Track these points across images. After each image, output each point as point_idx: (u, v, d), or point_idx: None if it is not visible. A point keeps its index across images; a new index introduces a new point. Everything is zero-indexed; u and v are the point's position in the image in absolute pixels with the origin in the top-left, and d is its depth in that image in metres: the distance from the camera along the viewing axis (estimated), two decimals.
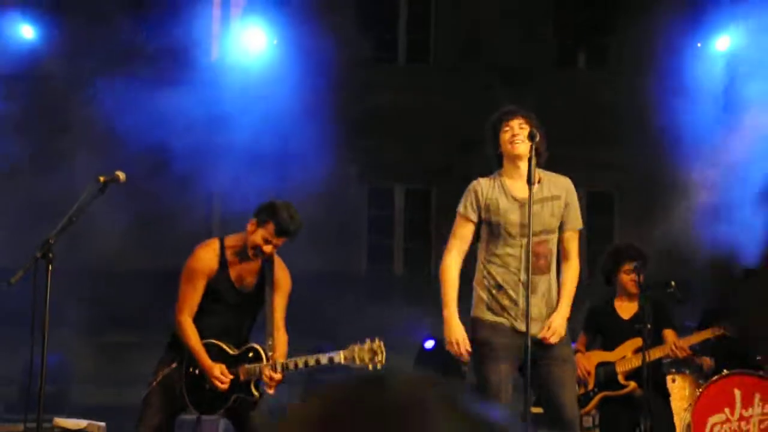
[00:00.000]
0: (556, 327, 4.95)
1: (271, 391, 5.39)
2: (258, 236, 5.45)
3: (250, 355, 5.43)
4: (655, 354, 6.51)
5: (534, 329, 4.84)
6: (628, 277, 6.71)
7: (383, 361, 5.27)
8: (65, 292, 5.97)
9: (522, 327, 4.83)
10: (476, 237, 5.19)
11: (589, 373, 6.76)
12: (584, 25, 13.35)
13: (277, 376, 5.32)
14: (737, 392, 6.80)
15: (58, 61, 10.85)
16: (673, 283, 7.44)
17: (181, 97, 10.63)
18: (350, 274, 12.55)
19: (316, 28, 11.61)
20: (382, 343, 5.24)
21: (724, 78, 10.50)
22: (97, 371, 10.87)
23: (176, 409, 5.59)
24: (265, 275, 5.59)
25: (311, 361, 5.33)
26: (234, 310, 5.59)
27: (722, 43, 10.40)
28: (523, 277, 4.91)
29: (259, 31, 10.75)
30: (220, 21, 11.84)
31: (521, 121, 5.03)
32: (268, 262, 5.61)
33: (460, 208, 5.21)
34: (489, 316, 5.01)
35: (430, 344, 10.99)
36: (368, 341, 5.23)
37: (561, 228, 5.14)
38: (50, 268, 5.47)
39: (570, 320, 5.25)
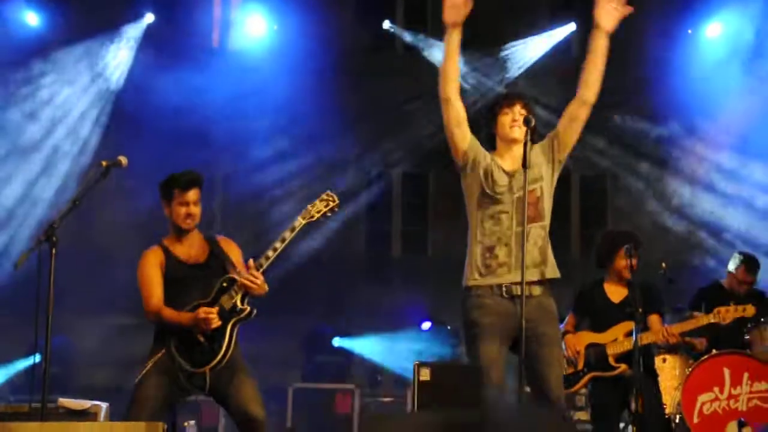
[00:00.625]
0: None
1: (259, 291, 5.37)
2: (174, 209, 5.49)
3: (224, 285, 5.43)
4: (647, 339, 6.52)
5: (528, 276, 4.80)
6: (624, 263, 6.69)
7: (337, 202, 5.38)
8: (69, 275, 5.97)
9: (518, 278, 4.80)
10: (467, 202, 5.14)
11: (578, 353, 6.77)
12: (579, 11, 13.34)
13: (256, 279, 5.32)
14: (726, 371, 6.80)
15: (61, 46, 10.85)
16: (664, 264, 7.47)
17: (182, 82, 10.64)
18: (349, 257, 12.56)
19: (316, 15, 11.59)
20: (331, 192, 5.36)
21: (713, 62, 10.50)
22: (100, 353, 10.90)
23: (172, 393, 5.57)
24: (213, 249, 5.60)
25: (278, 244, 5.33)
26: (195, 285, 5.52)
27: (713, 29, 10.37)
28: (516, 229, 4.89)
29: (259, 18, 10.73)
30: (221, 7, 11.82)
31: (521, 106, 5.03)
32: (212, 242, 5.64)
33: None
34: (482, 281, 4.98)
35: (426, 326, 11.02)
36: (321, 195, 5.36)
37: (555, 134, 5.11)
38: (54, 251, 5.48)
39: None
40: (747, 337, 7.25)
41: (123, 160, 5.64)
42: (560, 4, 13.45)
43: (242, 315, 5.37)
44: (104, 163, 5.61)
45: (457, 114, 5.05)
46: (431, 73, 12.15)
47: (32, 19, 10.49)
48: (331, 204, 5.36)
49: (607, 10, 5.01)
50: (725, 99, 10.45)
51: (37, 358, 6.07)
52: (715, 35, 10.43)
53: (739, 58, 10.40)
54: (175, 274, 5.55)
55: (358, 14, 13.39)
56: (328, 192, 5.40)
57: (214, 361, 5.39)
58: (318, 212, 5.33)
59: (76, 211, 5.62)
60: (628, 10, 5.03)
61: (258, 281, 5.27)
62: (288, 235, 5.31)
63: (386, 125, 12.69)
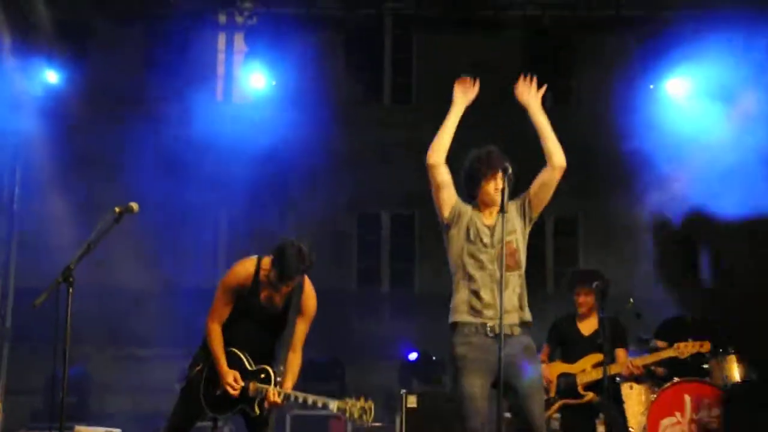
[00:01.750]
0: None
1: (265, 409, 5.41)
2: (270, 277, 5.34)
3: (262, 375, 5.37)
4: (614, 370, 6.57)
5: (507, 320, 4.86)
6: (578, 299, 6.82)
7: (371, 420, 5.17)
8: (85, 311, 5.97)
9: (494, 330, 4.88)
10: (451, 252, 5.19)
11: (550, 382, 6.82)
12: (549, 70, 13.44)
13: (278, 400, 5.31)
14: (687, 398, 6.83)
15: (79, 102, 10.88)
16: (631, 300, 7.50)
17: (190, 134, 10.67)
18: (342, 293, 12.54)
19: (311, 71, 11.66)
20: (371, 403, 5.10)
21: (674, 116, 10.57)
22: (114, 382, 10.84)
23: (195, 412, 5.59)
24: (292, 299, 5.50)
25: (309, 400, 5.27)
26: (258, 327, 5.51)
27: (673, 84, 10.44)
28: (497, 276, 4.91)
29: (259, 74, 10.78)
30: (224, 65, 11.90)
31: (502, 173, 5.08)
32: (298, 287, 5.51)
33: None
34: (469, 319, 4.99)
35: (413, 356, 10.99)
36: (362, 399, 5.20)
37: (527, 197, 5.16)
38: (70, 290, 5.48)
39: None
40: (706, 366, 7.28)
41: (134, 206, 5.65)
42: (534, 61, 13.56)
43: (249, 412, 5.36)
44: (117, 209, 5.63)
45: (444, 179, 5.13)
46: (414, 122, 12.30)
47: (52, 77, 10.50)
48: (364, 418, 5.07)
49: (522, 93, 5.22)
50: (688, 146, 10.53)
51: (55, 388, 6.06)
52: (676, 89, 10.48)
53: (699, 109, 10.46)
54: (247, 303, 5.47)
55: (349, 70, 13.48)
56: (370, 405, 5.09)
57: (222, 416, 5.51)
58: (350, 415, 5.06)
59: (92, 253, 5.66)
60: (541, 90, 5.20)
61: (274, 405, 5.27)
62: (319, 404, 5.17)
63: (375, 170, 12.73)
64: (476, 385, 4.94)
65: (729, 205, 9.65)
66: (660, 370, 7.41)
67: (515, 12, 10.38)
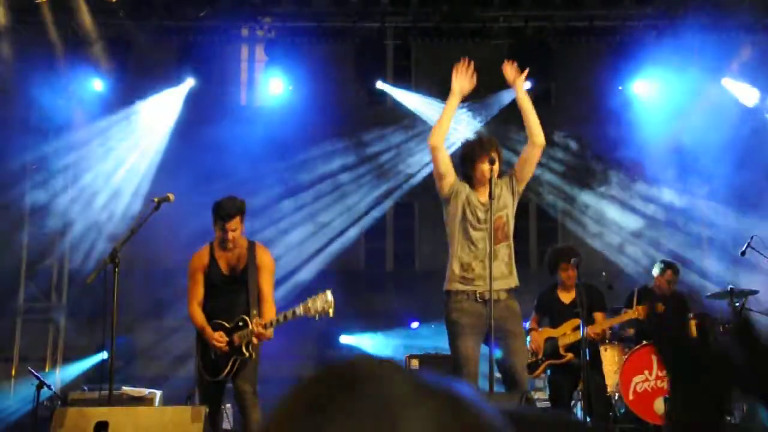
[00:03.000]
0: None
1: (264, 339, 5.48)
2: (217, 234, 5.56)
3: (240, 324, 5.49)
4: (593, 331, 6.60)
5: (496, 285, 4.92)
6: (564, 274, 6.84)
7: (332, 308, 5.33)
8: (130, 287, 6.03)
9: (484, 296, 4.93)
10: (449, 225, 5.21)
11: (539, 346, 6.86)
12: (531, 73, 13.44)
13: (261, 330, 5.38)
14: (654, 358, 6.85)
15: (121, 106, 10.91)
16: (604, 273, 7.54)
17: (218, 131, 10.68)
18: (352, 270, 12.57)
19: (322, 77, 11.63)
20: (329, 294, 5.31)
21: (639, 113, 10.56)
22: (155, 349, 10.88)
23: (209, 384, 5.66)
24: (249, 261, 5.62)
25: (281, 317, 5.41)
26: (228, 292, 5.62)
27: (638, 86, 10.43)
28: (487, 248, 4.97)
29: (277, 80, 10.77)
30: (247, 73, 11.88)
31: (494, 155, 5.10)
32: (250, 250, 5.65)
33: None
34: (461, 288, 5.03)
35: (415, 325, 11.02)
36: (320, 293, 5.32)
37: (514, 172, 5.23)
38: (116, 270, 5.54)
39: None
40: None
41: (171, 196, 5.72)
42: (518, 65, 13.49)
43: (242, 357, 5.46)
44: (156, 200, 5.69)
45: (444, 158, 5.17)
46: (414, 123, 12.28)
47: (98, 85, 10.51)
48: (327, 309, 5.30)
49: (509, 75, 5.41)
50: (657, 142, 10.54)
51: (105, 354, 6.08)
52: (642, 91, 10.46)
53: (666, 110, 10.46)
54: (213, 279, 5.64)
55: (355, 75, 13.44)
56: (327, 295, 5.32)
57: (222, 376, 5.52)
58: (315, 312, 5.28)
59: (135, 237, 5.70)
60: (524, 73, 5.23)
61: (263, 337, 5.41)
62: (289, 316, 5.37)
63: (379, 165, 12.72)
64: (469, 347, 5.00)
65: None
66: (630, 331, 7.42)
67: (501, 24, 10.36)
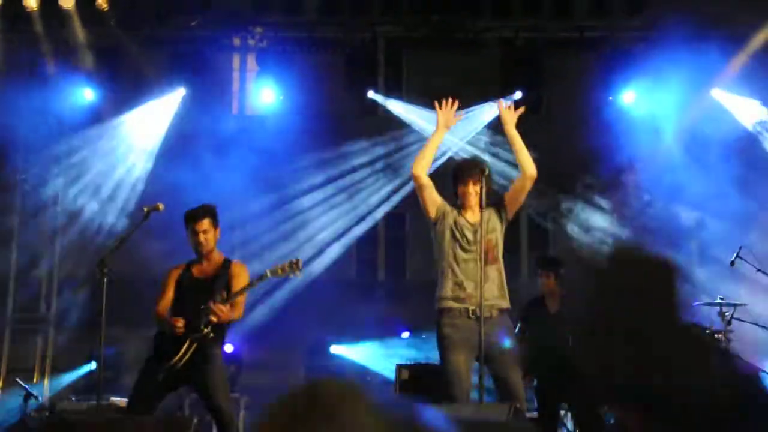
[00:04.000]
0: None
1: (215, 319, 5.45)
2: (190, 238, 5.65)
3: (202, 307, 5.48)
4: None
5: (488, 304, 4.98)
6: (540, 280, 6.89)
7: (300, 269, 5.53)
8: (117, 297, 5.99)
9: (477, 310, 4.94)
10: (437, 247, 5.25)
11: (524, 355, 6.83)
12: (522, 84, 13.46)
13: (222, 306, 5.42)
14: None
15: (111, 114, 10.89)
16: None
17: (209, 141, 10.67)
18: (343, 280, 12.54)
19: (313, 87, 11.63)
20: (299, 259, 5.53)
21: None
22: (143, 359, 10.79)
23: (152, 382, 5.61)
24: (222, 271, 5.68)
25: (254, 281, 5.57)
26: (194, 298, 5.60)
27: (627, 96, 10.48)
28: (478, 271, 4.99)
29: (269, 90, 10.77)
30: (239, 82, 11.86)
31: (473, 185, 5.19)
32: (225, 265, 5.72)
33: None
34: (454, 305, 5.02)
35: (405, 335, 10.98)
36: (289, 259, 5.52)
37: (503, 201, 5.26)
38: (104, 280, 5.51)
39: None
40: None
41: (161, 206, 5.70)
42: (509, 76, 13.55)
43: (199, 335, 5.43)
44: (146, 209, 5.67)
45: (425, 182, 5.25)
46: (405, 133, 12.27)
47: (89, 94, 10.50)
48: (296, 272, 5.52)
49: (504, 116, 5.41)
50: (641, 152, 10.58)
51: (93, 365, 6.04)
52: (631, 101, 10.52)
53: (655, 120, 10.51)
54: (184, 284, 5.70)
55: (346, 85, 13.44)
56: (298, 260, 5.55)
57: (171, 362, 5.46)
58: (282, 271, 5.52)
59: (125, 247, 5.66)
60: (520, 111, 5.36)
61: (220, 313, 5.38)
62: (255, 282, 5.54)
63: (370, 175, 12.72)
64: (460, 361, 5.00)
65: None
66: None
67: (493, 34, 10.38)
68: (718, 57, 9.89)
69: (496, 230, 5.20)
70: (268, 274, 5.53)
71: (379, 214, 13.05)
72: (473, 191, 5.14)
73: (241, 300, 5.59)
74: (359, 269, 13.74)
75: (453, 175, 5.36)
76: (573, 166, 11.79)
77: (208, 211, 5.66)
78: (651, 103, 10.38)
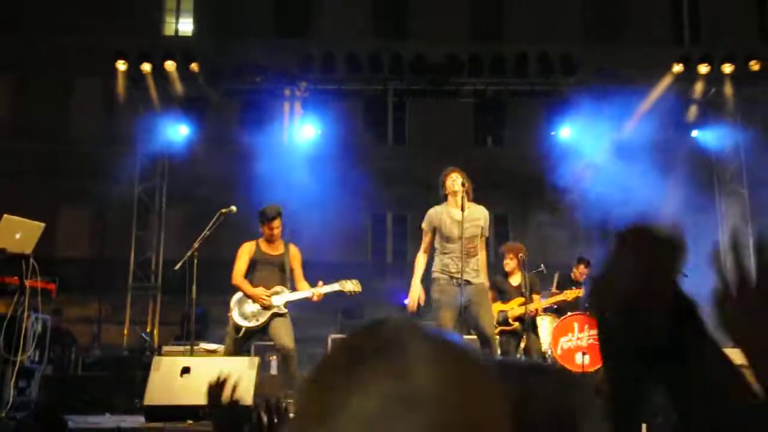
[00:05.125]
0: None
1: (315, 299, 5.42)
2: (264, 231, 5.54)
3: (278, 290, 5.45)
4: (532, 307, 6.53)
5: (468, 277, 4.88)
6: (504, 260, 6.76)
7: (358, 289, 5.49)
8: (202, 273, 6.03)
9: (463, 276, 4.87)
10: (433, 239, 5.17)
11: (493, 317, 6.81)
12: (491, 123, 13.49)
13: (319, 292, 5.41)
14: (575, 324, 6.85)
15: (202, 142, 10.99)
16: (542, 265, 7.48)
17: (266, 166, 10.71)
18: (359, 264, 12.55)
19: (342, 124, 11.71)
20: (356, 281, 5.47)
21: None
22: (222, 316, 10.87)
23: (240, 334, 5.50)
24: (284, 251, 5.61)
25: (327, 289, 5.47)
26: (265, 269, 5.55)
27: (564, 132, 10.48)
28: (461, 258, 4.92)
29: (310, 127, 10.81)
30: (288, 121, 11.92)
31: (456, 174, 5.06)
32: (286, 246, 5.63)
33: (423, 225, 5.17)
34: (442, 278, 4.98)
35: (407, 301, 10.95)
36: (350, 280, 5.46)
37: (481, 234, 5.11)
38: (195, 261, 5.57)
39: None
40: (587, 304, 7.19)
41: (234, 208, 5.75)
42: (481, 117, 13.40)
43: (278, 311, 5.39)
44: (223, 210, 5.72)
45: (427, 239, 5.12)
46: (408, 157, 12.30)
47: (183, 130, 10.58)
48: (354, 289, 5.48)
49: None
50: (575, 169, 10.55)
51: (188, 319, 6.07)
52: (566, 135, 10.51)
53: (581, 149, 10.48)
54: (257, 258, 5.56)
55: (365, 124, 13.52)
56: (356, 282, 5.50)
57: (256, 323, 5.40)
58: (348, 291, 5.46)
59: (210, 236, 5.72)
60: None
61: (317, 299, 5.43)
62: (336, 287, 5.46)
63: (382, 187, 12.76)
64: (447, 317, 4.92)
65: None
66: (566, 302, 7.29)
67: (469, 87, 10.42)
68: (625, 105, 9.95)
69: (477, 227, 5.00)
70: (337, 287, 5.42)
71: (388, 214, 13.11)
72: (452, 181, 5.00)
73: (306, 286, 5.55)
74: (373, 254, 13.81)
75: (443, 178, 5.16)
76: (527, 182, 11.82)
77: (279, 212, 5.59)
78: (581, 136, 10.38)
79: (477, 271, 4.98)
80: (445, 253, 4.98)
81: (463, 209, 4.89)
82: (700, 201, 10.16)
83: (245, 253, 5.59)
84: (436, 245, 5.08)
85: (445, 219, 5.00)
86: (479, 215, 5.05)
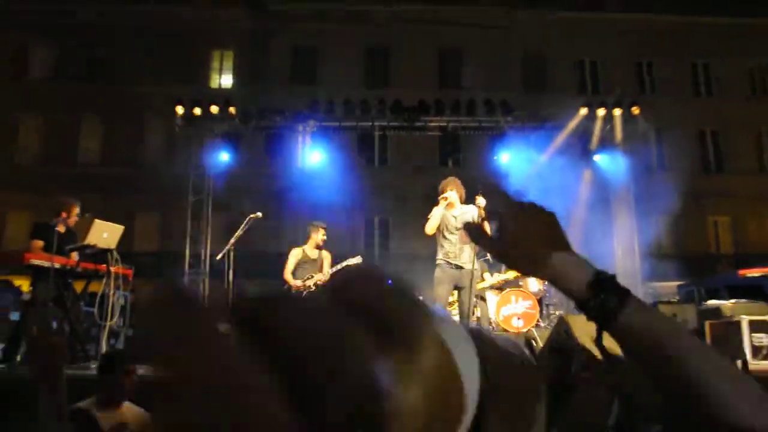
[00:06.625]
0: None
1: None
2: (318, 239, 5.51)
3: (315, 286, 5.41)
4: (480, 284, 6.46)
5: (464, 263, 4.74)
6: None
7: (359, 261, 5.31)
8: (244, 266, 5.93)
9: (461, 263, 4.75)
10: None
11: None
12: (451, 151, 13.46)
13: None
14: (513, 296, 6.79)
15: (237, 170, 10.86)
16: (488, 255, 7.36)
17: (284, 183, 10.60)
18: (355, 254, 12.43)
19: (341, 151, 11.63)
20: (358, 257, 5.38)
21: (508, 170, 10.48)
22: None
23: None
24: (320, 255, 5.61)
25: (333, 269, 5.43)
26: (307, 269, 5.54)
27: (504, 157, 10.46)
28: (458, 246, 4.79)
29: (317, 154, 10.74)
30: (301, 149, 11.83)
31: (451, 186, 4.92)
32: (321, 251, 5.64)
33: (431, 223, 4.89)
34: (443, 262, 4.82)
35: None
36: (353, 258, 5.35)
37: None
38: (231, 254, 5.49)
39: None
40: (520, 283, 7.12)
41: (260, 214, 5.67)
42: (443, 146, 13.33)
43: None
44: (251, 216, 5.64)
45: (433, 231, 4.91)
46: (389, 176, 12.22)
47: (224, 156, 10.46)
48: (357, 264, 5.24)
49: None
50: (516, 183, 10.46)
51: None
52: (506, 160, 10.47)
53: (517, 171, 10.44)
54: (302, 259, 5.55)
55: (357, 152, 13.45)
56: (359, 258, 5.39)
57: None
58: (352, 264, 5.10)
59: (243, 236, 5.63)
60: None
61: (327, 277, 5.30)
62: (342, 264, 5.12)
63: (380, 202, 12.70)
64: (444, 290, 4.78)
65: None
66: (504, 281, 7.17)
67: (435, 124, 10.42)
68: (547, 137, 10.04)
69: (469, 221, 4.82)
70: (343, 264, 5.20)
71: (376, 218, 13.05)
72: (443, 198, 4.83)
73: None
74: (366, 247, 13.71)
75: (441, 188, 4.97)
76: (473, 197, 11.77)
77: (325, 228, 5.63)
78: (515, 160, 10.39)
79: (472, 260, 4.82)
80: (446, 244, 4.85)
81: (457, 212, 4.82)
82: (597, 209, 10.32)
83: (294, 254, 5.62)
84: (437, 238, 4.91)
85: (446, 217, 4.88)
86: (469, 212, 4.94)
